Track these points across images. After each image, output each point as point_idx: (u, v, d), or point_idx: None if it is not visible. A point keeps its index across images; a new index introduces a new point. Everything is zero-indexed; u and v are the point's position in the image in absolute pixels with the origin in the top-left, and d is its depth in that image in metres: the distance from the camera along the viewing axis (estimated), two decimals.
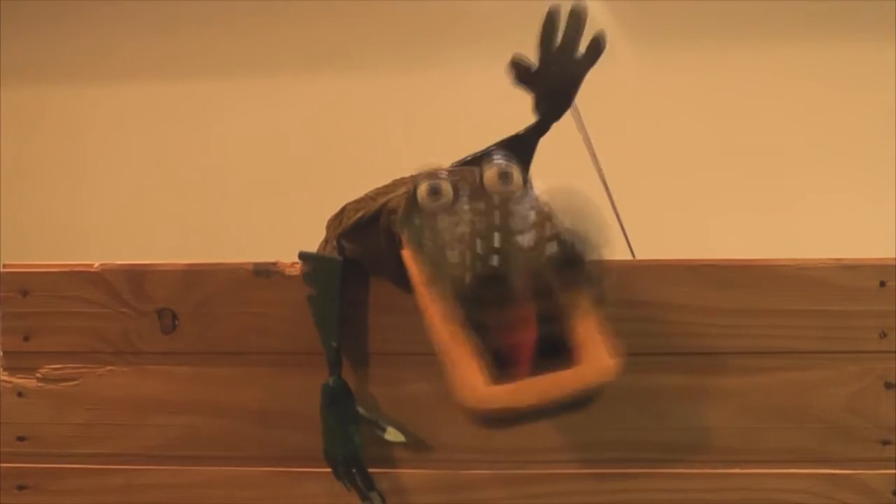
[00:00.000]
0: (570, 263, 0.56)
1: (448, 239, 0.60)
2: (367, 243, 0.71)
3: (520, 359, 0.58)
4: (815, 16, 1.95)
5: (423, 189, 0.64)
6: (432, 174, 0.65)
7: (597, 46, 0.73)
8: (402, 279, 0.64)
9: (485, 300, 0.56)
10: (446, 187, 0.63)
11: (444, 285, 0.58)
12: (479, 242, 0.59)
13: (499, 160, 0.64)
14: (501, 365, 0.58)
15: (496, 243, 0.58)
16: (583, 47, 0.73)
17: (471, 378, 0.57)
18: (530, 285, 0.56)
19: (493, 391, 0.57)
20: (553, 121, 0.75)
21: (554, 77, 0.73)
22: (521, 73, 0.74)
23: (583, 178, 0.82)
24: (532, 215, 0.60)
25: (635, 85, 1.92)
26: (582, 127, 0.78)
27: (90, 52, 2.11)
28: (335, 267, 0.74)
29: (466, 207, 0.63)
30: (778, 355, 0.73)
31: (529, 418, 0.59)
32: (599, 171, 0.81)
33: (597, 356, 0.58)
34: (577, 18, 0.73)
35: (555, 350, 0.59)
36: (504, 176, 0.63)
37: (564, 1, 0.74)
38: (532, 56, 0.73)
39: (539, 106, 0.75)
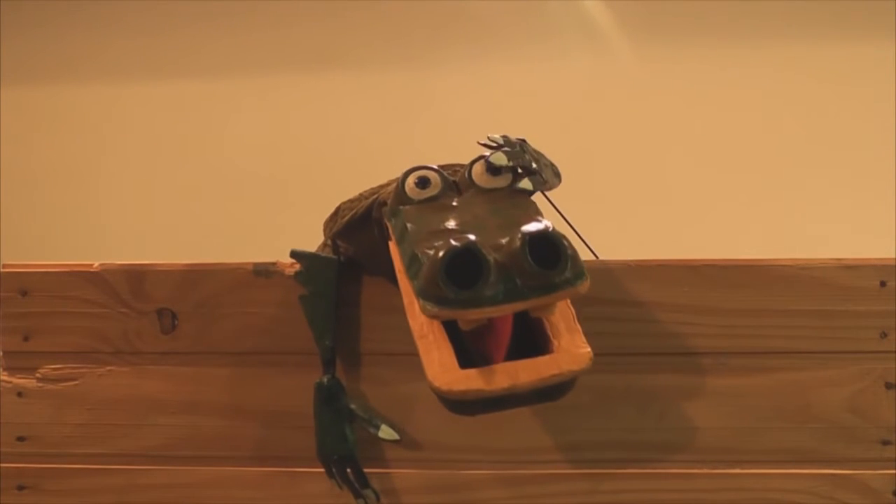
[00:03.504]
0: (550, 248, 0.54)
1: (430, 227, 0.60)
2: (362, 241, 0.71)
3: (495, 355, 0.57)
4: (816, 15, 1.95)
5: (411, 179, 0.66)
6: (421, 166, 0.67)
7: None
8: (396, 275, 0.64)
9: (457, 282, 0.53)
10: (434, 178, 0.66)
11: (419, 269, 0.56)
12: (459, 229, 0.59)
13: (488, 155, 0.65)
14: (477, 360, 0.58)
15: (477, 230, 0.58)
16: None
17: (444, 360, 0.56)
18: (506, 268, 0.54)
19: (465, 373, 0.56)
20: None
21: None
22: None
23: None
24: (516, 212, 0.60)
25: (635, 84, 1.92)
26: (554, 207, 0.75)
27: (90, 52, 2.11)
28: (330, 266, 0.74)
29: (453, 201, 0.64)
30: (778, 355, 0.73)
31: (503, 405, 0.57)
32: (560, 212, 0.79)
33: (572, 344, 0.57)
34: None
35: (530, 349, 0.58)
36: (492, 169, 0.65)
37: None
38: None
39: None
